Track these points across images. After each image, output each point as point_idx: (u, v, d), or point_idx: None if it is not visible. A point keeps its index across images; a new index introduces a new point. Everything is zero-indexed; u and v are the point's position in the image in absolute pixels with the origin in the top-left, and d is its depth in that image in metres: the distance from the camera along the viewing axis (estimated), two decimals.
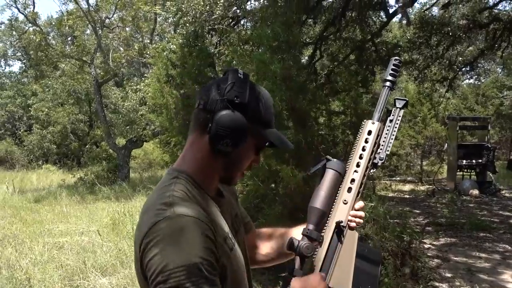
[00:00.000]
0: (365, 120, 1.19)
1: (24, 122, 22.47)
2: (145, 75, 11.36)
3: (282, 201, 4.21)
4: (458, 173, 10.88)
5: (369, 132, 1.18)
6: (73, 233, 6.59)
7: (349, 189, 1.14)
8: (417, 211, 8.15)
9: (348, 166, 1.17)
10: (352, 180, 1.15)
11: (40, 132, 19.36)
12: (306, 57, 9.01)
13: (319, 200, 1.11)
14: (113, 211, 7.72)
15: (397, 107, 1.21)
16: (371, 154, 1.17)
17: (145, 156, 18.88)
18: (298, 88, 4.64)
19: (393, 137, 1.19)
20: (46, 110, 18.62)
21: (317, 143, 5.51)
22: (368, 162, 1.17)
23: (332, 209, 1.13)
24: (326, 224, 1.12)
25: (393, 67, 1.21)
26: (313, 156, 4.57)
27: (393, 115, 1.21)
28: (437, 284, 4.34)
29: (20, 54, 23.09)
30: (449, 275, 4.62)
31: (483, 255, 5.39)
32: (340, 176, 1.15)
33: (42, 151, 19.39)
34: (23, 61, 24.69)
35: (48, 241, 6.12)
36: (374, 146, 1.17)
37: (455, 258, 5.24)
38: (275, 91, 4.13)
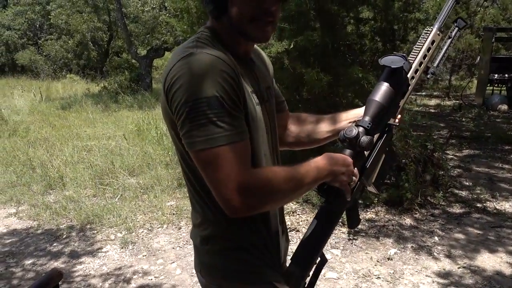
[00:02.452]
0: (430, 28, 1.18)
1: (45, 31, 22.24)
2: None
3: (305, 106, 4.15)
4: (488, 88, 10.48)
5: (432, 42, 1.17)
6: (100, 138, 6.80)
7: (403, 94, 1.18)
8: (442, 125, 8.02)
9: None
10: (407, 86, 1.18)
11: (55, 43, 19.17)
12: None
13: (380, 93, 1.12)
14: (138, 118, 7.86)
15: (456, 27, 1.21)
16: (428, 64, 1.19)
17: None
18: None
19: (446, 55, 1.21)
20: (65, 17, 18.23)
21: (343, 50, 5.29)
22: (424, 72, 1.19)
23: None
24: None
25: None
26: (339, 61, 4.39)
27: (451, 32, 1.21)
28: (456, 191, 4.38)
29: None
30: (469, 183, 4.64)
31: (506, 166, 5.34)
32: (406, 78, 1.16)
33: (63, 60, 19.39)
34: None
35: (77, 144, 6.34)
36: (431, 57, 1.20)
37: (477, 169, 5.23)
38: None
